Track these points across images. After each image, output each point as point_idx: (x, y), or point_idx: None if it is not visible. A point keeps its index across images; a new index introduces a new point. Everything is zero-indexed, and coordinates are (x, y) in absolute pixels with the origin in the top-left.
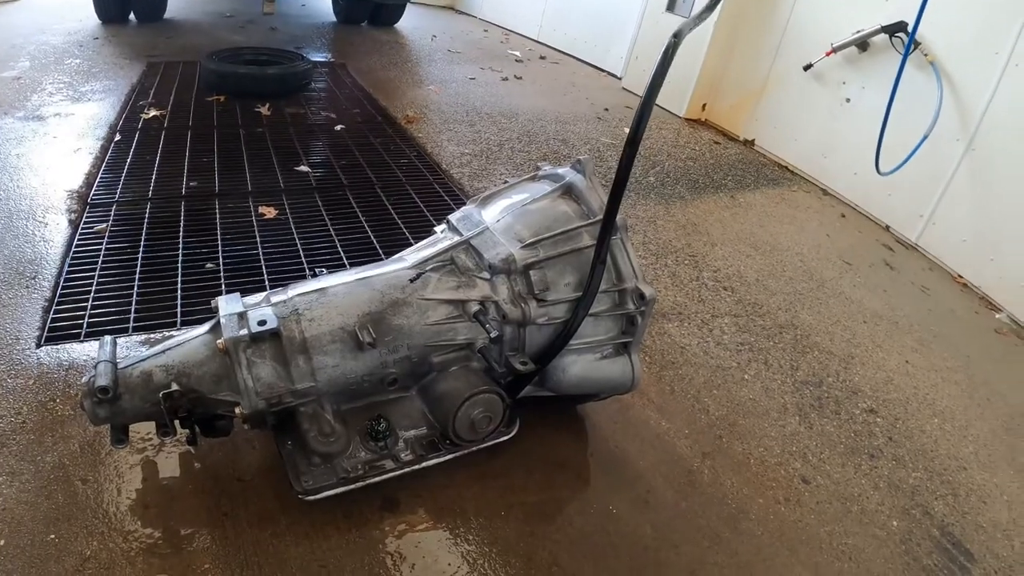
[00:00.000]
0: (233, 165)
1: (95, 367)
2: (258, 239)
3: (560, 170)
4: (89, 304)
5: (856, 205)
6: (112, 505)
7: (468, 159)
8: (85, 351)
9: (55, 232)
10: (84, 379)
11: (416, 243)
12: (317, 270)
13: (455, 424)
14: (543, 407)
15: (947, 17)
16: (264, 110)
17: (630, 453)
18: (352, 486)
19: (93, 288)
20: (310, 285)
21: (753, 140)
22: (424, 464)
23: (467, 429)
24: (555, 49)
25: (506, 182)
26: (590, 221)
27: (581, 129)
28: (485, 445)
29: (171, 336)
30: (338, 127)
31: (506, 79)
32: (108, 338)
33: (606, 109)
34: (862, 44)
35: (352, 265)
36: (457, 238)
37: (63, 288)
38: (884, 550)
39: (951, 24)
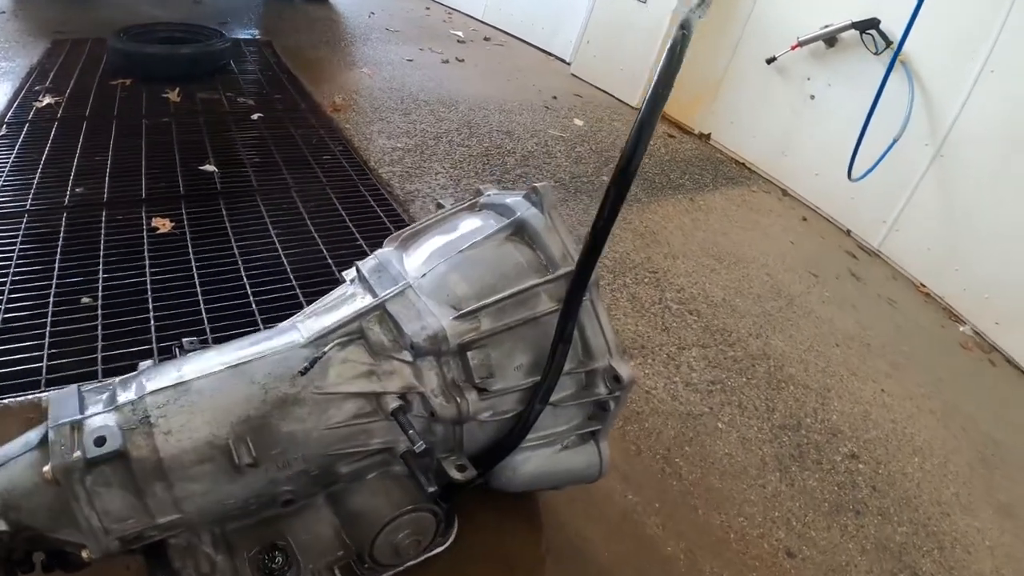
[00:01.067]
0: (129, 165)
1: None
2: (147, 262)
3: (509, 199)
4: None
5: (817, 207)
6: None
7: (400, 155)
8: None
9: None
10: None
11: (333, 265)
12: (186, 341)
13: (373, 551)
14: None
15: (923, 18)
16: (173, 96)
17: (593, 541)
18: None
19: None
20: (167, 375)
21: (709, 134)
22: None
23: (390, 555)
24: (500, 30)
25: (439, 205)
26: (550, 277)
27: (527, 120)
28: (415, 562)
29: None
30: (255, 116)
31: (447, 61)
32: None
33: (554, 97)
34: (830, 39)
35: (260, 303)
36: (368, 300)
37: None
38: None
39: (926, 25)
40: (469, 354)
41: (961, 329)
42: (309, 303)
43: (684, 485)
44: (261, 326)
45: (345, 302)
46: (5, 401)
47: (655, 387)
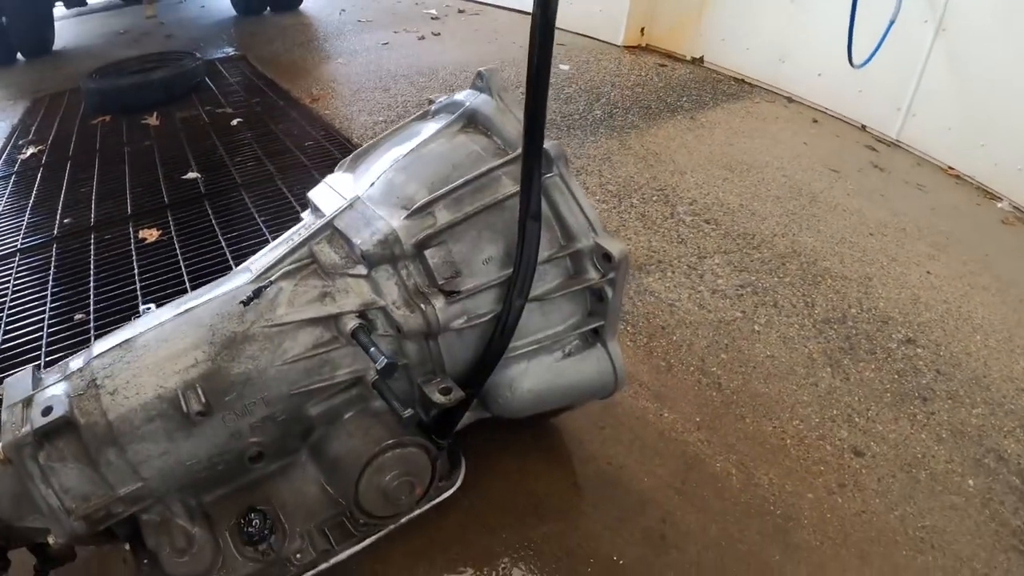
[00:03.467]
0: (113, 189)
1: None
2: (136, 270)
3: (459, 96)
4: None
5: (827, 108)
6: None
7: (383, 127)
8: None
9: None
10: None
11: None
12: (143, 307)
13: (359, 500)
14: (497, 425)
15: None
16: (152, 120)
17: (629, 469)
18: None
19: None
20: (117, 336)
21: (702, 57)
22: (333, 561)
23: (380, 504)
24: (474, 0)
25: (431, 101)
26: (508, 158)
27: (510, 74)
28: (420, 512)
29: None
30: (235, 121)
31: (422, 38)
32: None
33: None
34: None
35: None
36: (319, 222)
37: None
38: (967, 522)
39: None
40: (427, 253)
41: (999, 205)
42: None
43: (725, 395)
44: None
45: (295, 234)
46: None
47: (678, 299)
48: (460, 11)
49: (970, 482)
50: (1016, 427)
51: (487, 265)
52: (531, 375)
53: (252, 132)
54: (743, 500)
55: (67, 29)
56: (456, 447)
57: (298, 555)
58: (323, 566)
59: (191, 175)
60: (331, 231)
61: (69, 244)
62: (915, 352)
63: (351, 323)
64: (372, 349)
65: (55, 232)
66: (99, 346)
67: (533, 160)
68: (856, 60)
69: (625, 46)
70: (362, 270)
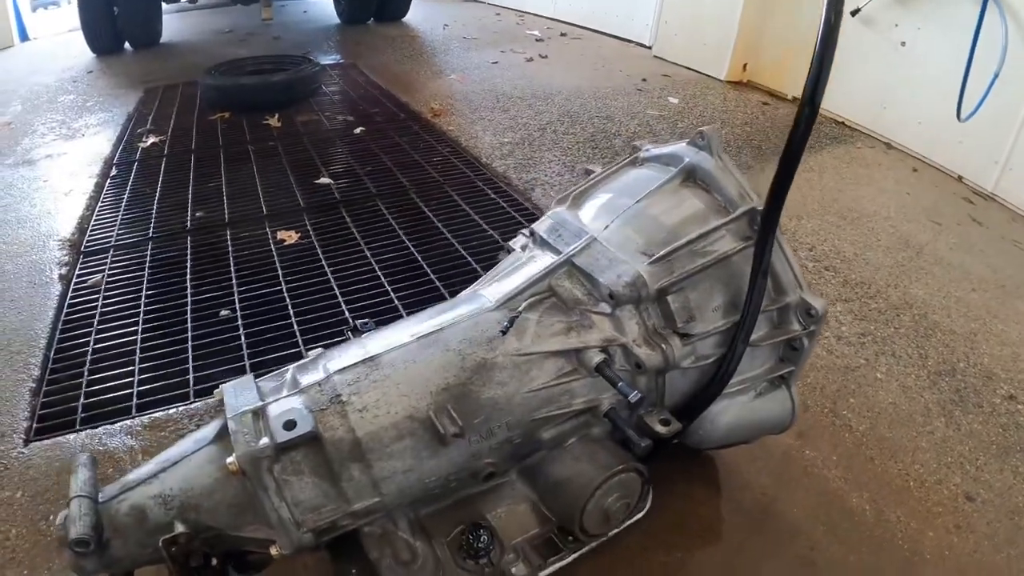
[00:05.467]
0: (244, 187)
1: (68, 505)
2: (279, 272)
3: (668, 149)
4: (84, 380)
5: (925, 157)
6: None
7: (510, 148)
8: (83, 444)
9: (45, 291)
10: (58, 520)
11: (480, 269)
12: (359, 323)
13: (583, 520)
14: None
15: None
16: (273, 122)
17: (780, 499)
18: None
19: (88, 358)
20: (353, 353)
21: None
22: (543, 574)
23: (599, 523)
24: (574, 24)
25: (588, 171)
26: (733, 216)
27: (623, 103)
28: (617, 531)
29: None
30: (358, 130)
31: (531, 60)
32: (83, 458)
33: (644, 79)
34: None
35: (402, 299)
36: (552, 257)
37: (54, 361)
38: None
39: None
40: (669, 298)
41: None
42: (452, 295)
43: (856, 436)
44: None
45: (524, 265)
46: (156, 414)
47: None
48: (562, 34)
49: None
50: None
51: (715, 313)
52: (730, 412)
53: (376, 143)
54: (876, 534)
55: (173, 23)
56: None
57: (513, 569)
58: None
59: (323, 180)
60: (569, 266)
61: (203, 238)
62: (1017, 408)
63: (596, 357)
64: (620, 384)
65: (188, 224)
66: (335, 361)
67: (771, 226)
68: (962, 114)
69: (728, 81)
70: (606, 308)
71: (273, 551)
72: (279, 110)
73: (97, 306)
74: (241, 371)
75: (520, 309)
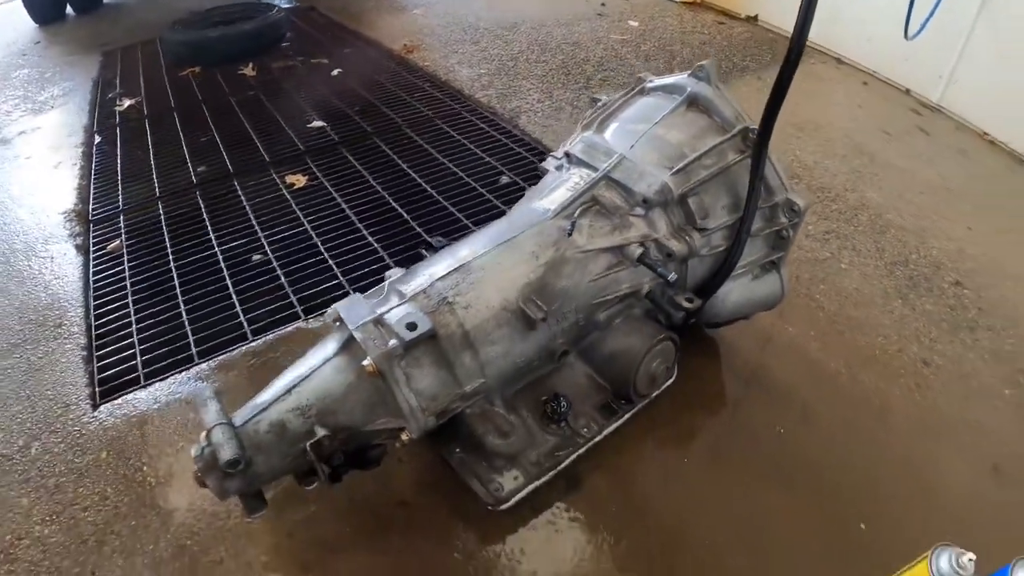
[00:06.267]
0: (238, 138)
1: (208, 435)
2: (299, 214)
3: (671, 80)
4: (135, 338)
5: (875, 72)
6: None
7: (488, 79)
8: (155, 397)
9: (64, 264)
10: (195, 452)
11: (485, 192)
12: (435, 241)
13: (636, 382)
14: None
15: None
16: (248, 71)
17: (773, 369)
18: (541, 480)
19: (132, 317)
20: (443, 264)
21: (756, 16)
22: (605, 432)
23: (647, 384)
24: None
25: (594, 99)
26: (732, 133)
27: (586, 29)
28: (654, 396)
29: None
30: (335, 72)
31: None
32: (206, 391)
33: (603, 3)
34: None
35: (421, 224)
36: (589, 173)
37: (97, 327)
38: (1005, 419)
39: None
40: (689, 201)
41: None
42: (467, 217)
43: (828, 315)
44: (431, 245)
45: (567, 181)
46: (220, 357)
47: None
48: None
49: (1006, 391)
50: None
51: (723, 211)
52: (735, 292)
53: (358, 82)
54: (853, 392)
55: None
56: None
57: (584, 429)
58: (603, 435)
59: (316, 123)
60: (607, 180)
61: (213, 190)
62: (963, 292)
63: (637, 250)
64: (660, 268)
65: (194, 179)
66: (431, 271)
67: (764, 142)
68: (909, 32)
69: (683, 1)
70: (640, 211)
71: (404, 436)
72: (251, 59)
73: (123, 268)
74: (288, 308)
75: (576, 215)
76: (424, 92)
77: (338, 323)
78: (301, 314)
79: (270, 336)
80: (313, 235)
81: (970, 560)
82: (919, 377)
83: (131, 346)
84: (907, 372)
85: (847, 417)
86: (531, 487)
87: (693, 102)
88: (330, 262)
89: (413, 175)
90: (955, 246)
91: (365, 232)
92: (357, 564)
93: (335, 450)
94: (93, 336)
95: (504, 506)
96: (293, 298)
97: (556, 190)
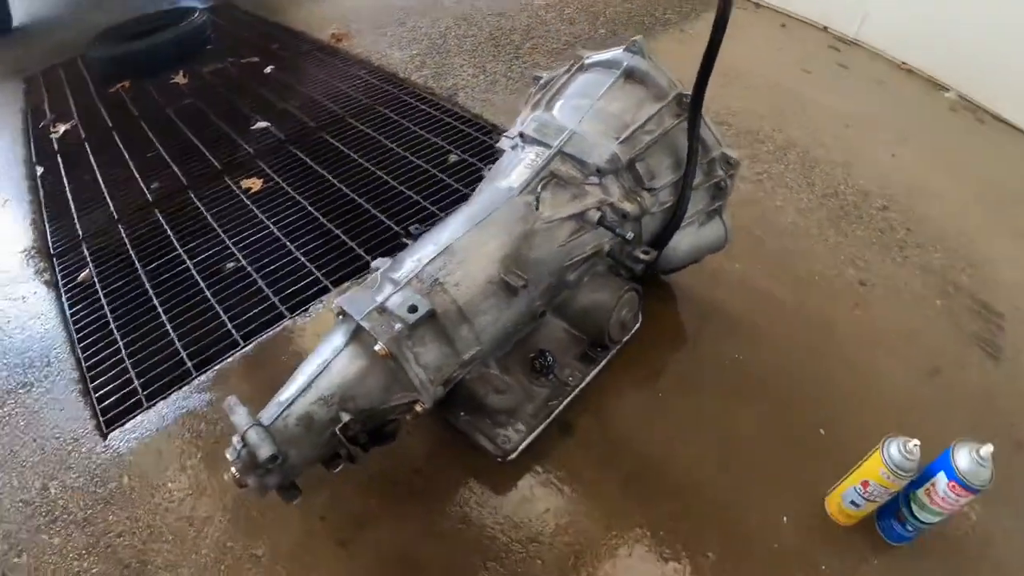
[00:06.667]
0: (185, 149)
1: (243, 437)
2: (262, 217)
3: (607, 56)
4: (127, 363)
5: (792, 13)
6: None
7: (420, 60)
8: (162, 415)
9: (37, 303)
10: (232, 456)
11: (438, 173)
12: (412, 229)
13: (610, 331)
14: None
15: None
16: (180, 79)
17: (725, 303)
18: (541, 428)
19: (120, 343)
20: (427, 249)
21: None
22: (587, 379)
23: (619, 331)
24: None
25: (537, 78)
26: (667, 101)
27: (515, 3)
28: (625, 341)
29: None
30: (267, 69)
31: None
32: (231, 400)
33: None
34: None
35: (383, 212)
36: (544, 150)
37: (86, 360)
38: (938, 326)
39: None
40: (636, 166)
41: (946, 95)
42: (424, 198)
43: (770, 250)
44: (410, 233)
45: (524, 159)
46: (216, 367)
47: None
48: None
49: (938, 302)
50: (967, 267)
51: (667, 171)
52: (685, 240)
53: (292, 77)
54: (800, 314)
55: (17, 5)
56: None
57: (570, 378)
58: (586, 381)
59: (260, 124)
60: (561, 155)
61: (171, 205)
62: (890, 215)
63: (596, 215)
64: (618, 229)
65: (149, 197)
66: (417, 257)
67: (698, 105)
68: None
69: None
70: (595, 180)
71: (418, 408)
72: (180, 67)
73: (99, 296)
74: (272, 308)
75: (538, 191)
76: (361, 79)
77: (341, 316)
78: (286, 313)
79: (262, 337)
80: (280, 235)
81: (915, 445)
82: (857, 296)
83: (125, 371)
84: (846, 293)
85: (796, 338)
86: (532, 436)
87: (630, 75)
88: (302, 259)
89: (365, 164)
90: (880, 173)
91: (330, 225)
92: (388, 531)
93: (359, 431)
94: (84, 369)
95: (511, 456)
96: (274, 299)
97: (516, 168)
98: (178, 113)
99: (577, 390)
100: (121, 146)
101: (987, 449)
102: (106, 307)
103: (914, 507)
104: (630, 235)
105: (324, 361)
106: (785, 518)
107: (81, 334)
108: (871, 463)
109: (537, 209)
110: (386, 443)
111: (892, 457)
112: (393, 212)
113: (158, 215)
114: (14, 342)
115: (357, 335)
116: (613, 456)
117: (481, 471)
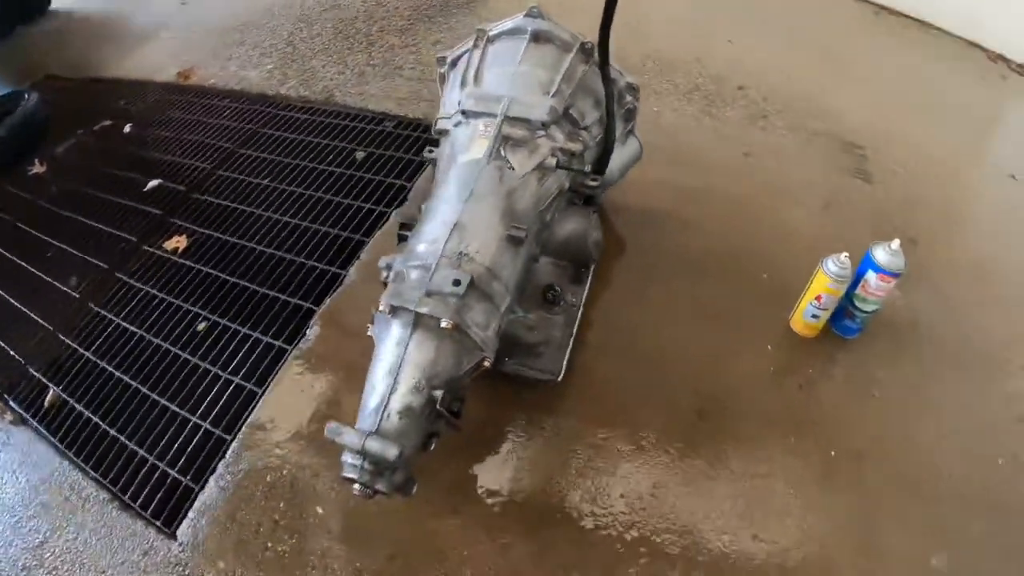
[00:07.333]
0: (86, 236)
1: (362, 450)
2: (204, 267)
3: (509, 24)
4: (152, 459)
5: None
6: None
7: (280, 73)
8: (221, 486)
9: (19, 442)
10: (354, 474)
11: (334, 168)
12: (405, 221)
13: (591, 250)
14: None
15: None
16: (38, 168)
17: (648, 203)
18: (570, 345)
19: (132, 444)
20: (437, 232)
21: None
22: (585, 295)
23: (597, 249)
24: None
25: (442, 58)
26: (574, 52)
27: None
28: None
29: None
30: (127, 129)
31: None
32: (332, 425)
33: None
34: None
35: (325, 223)
36: (491, 119)
37: (105, 476)
38: (817, 169)
39: None
40: (570, 111)
41: None
42: (354, 199)
43: (666, 150)
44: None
45: (476, 131)
46: (249, 419)
47: None
48: None
49: (810, 151)
50: (823, 118)
51: (592, 109)
52: (615, 161)
53: (163, 127)
54: (708, 194)
55: None
56: None
57: (573, 300)
58: (585, 297)
59: (152, 183)
60: (507, 120)
61: (105, 295)
62: (747, 93)
63: (552, 161)
64: (575, 166)
65: (77, 295)
66: (434, 238)
67: (605, 50)
68: None
69: None
70: (542, 133)
71: (486, 364)
72: (29, 155)
73: (78, 410)
74: (270, 348)
75: (504, 154)
76: (230, 109)
77: (390, 312)
78: (287, 345)
79: (278, 374)
80: (236, 280)
81: (846, 256)
82: (745, 164)
83: (154, 468)
84: (738, 166)
85: (710, 211)
86: (568, 354)
87: (536, 37)
88: (272, 292)
89: (279, 186)
90: (730, 57)
91: (283, 253)
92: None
93: (451, 400)
94: (109, 483)
95: (560, 376)
96: (266, 338)
97: (474, 142)
98: (55, 203)
99: (583, 306)
100: (12, 255)
101: (896, 243)
102: (97, 417)
103: (857, 303)
104: (588, 168)
105: (396, 356)
106: (769, 346)
107: (83, 454)
108: (817, 281)
109: (512, 170)
110: (462, 406)
111: (831, 271)
112: (334, 220)
113: (95, 308)
114: (26, 486)
115: (418, 322)
116: (624, 351)
117: (529, 404)
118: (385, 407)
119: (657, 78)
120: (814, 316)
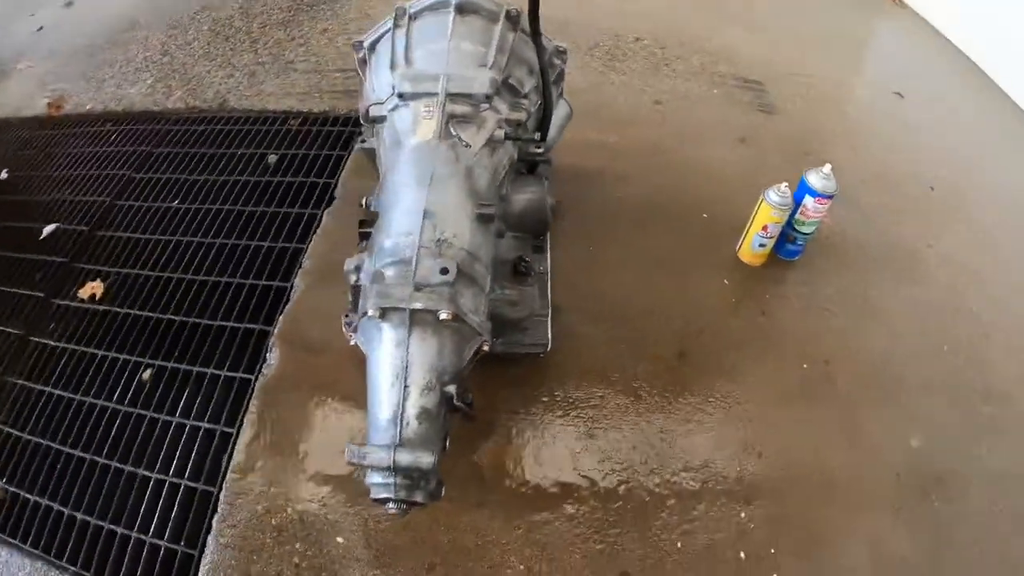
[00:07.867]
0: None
1: (392, 466)
2: (132, 310)
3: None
4: (135, 536)
5: None
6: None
7: (164, 85)
8: (223, 550)
9: None
10: (387, 493)
11: (248, 178)
12: (368, 213)
13: (548, 217)
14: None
15: None
16: None
17: (589, 164)
18: (550, 315)
19: (107, 525)
20: (407, 222)
21: None
22: (549, 261)
23: (553, 215)
24: None
25: (359, 43)
26: (502, 21)
27: None
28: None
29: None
30: (3, 175)
31: (70, 4)
32: (351, 448)
33: None
34: None
35: (260, 238)
36: (431, 99)
37: (84, 567)
38: (724, 108)
39: None
40: (510, 81)
41: None
42: (284, 205)
43: (582, 110)
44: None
45: (419, 112)
46: (232, 463)
47: None
48: None
49: (714, 91)
50: (717, 59)
51: (529, 77)
52: (555, 123)
53: (40, 167)
54: (634, 147)
55: None
56: None
57: (541, 268)
58: (548, 265)
59: (48, 229)
60: (449, 97)
61: (27, 360)
62: (645, 43)
63: (500, 132)
64: (524, 136)
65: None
66: (406, 231)
67: (536, 18)
68: None
69: None
70: (486, 105)
71: (485, 347)
72: None
73: (34, 501)
74: (232, 382)
75: (454, 134)
76: (117, 132)
77: (382, 313)
78: (248, 375)
79: (252, 413)
80: (172, 316)
81: (786, 186)
82: (657, 114)
83: (140, 543)
84: (651, 114)
85: (644, 163)
86: (550, 323)
87: (461, 9)
88: (217, 322)
89: (193, 206)
90: (617, 12)
91: (215, 277)
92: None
93: (463, 392)
94: (94, 575)
95: (549, 347)
96: (223, 372)
97: (420, 124)
98: None
99: (550, 275)
100: None
101: (827, 167)
102: (54, 504)
103: (797, 227)
104: (536, 136)
105: (400, 359)
106: (725, 280)
107: (54, 549)
108: (761, 212)
109: (468, 147)
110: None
111: (774, 200)
112: (263, 232)
113: (17, 382)
114: None
115: (413, 319)
116: (593, 310)
117: (520, 380)
118: (402, 415)
119: (557, 38)
120: (761, 245)
